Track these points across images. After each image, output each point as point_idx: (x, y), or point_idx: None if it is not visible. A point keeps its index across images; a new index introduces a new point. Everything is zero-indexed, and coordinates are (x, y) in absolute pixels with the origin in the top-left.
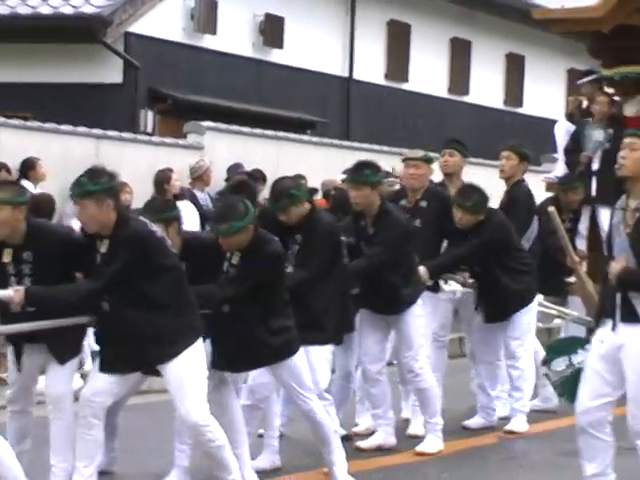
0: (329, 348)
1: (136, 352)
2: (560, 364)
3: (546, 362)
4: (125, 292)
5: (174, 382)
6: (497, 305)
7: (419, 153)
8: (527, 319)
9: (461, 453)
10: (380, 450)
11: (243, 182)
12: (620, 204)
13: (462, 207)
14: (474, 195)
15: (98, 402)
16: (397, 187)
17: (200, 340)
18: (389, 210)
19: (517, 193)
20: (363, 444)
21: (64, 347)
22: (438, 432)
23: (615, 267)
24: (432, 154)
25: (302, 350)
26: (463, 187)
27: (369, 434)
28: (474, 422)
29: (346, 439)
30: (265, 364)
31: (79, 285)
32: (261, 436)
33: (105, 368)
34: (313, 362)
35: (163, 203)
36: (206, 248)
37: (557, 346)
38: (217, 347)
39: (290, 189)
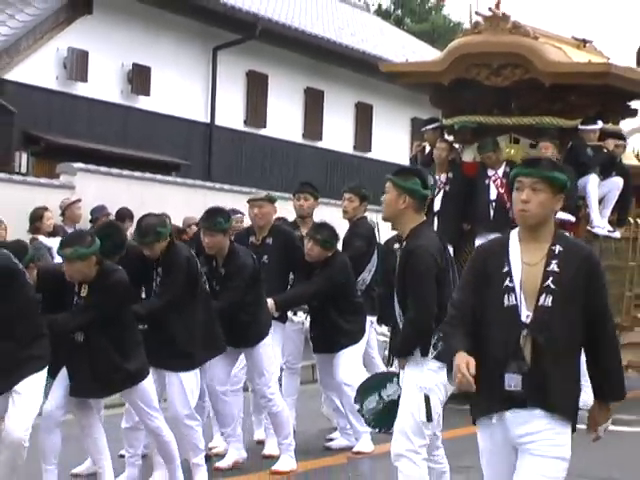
0: (197, 372)
1: None
2: (372, 402)
3: (357, 402)
4: None
5: (17, 400)
6: (326, 339)
7: (262, 194)
8: (355, 353)
9: (314, 472)
10: (237, 468)
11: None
12: (398, 247)
13: (313, 239)
14: (326, 231)
15: None
16: (244, 224)
17: (45, 368)
18: (237, 252)
19: (359, 227)
20: (221, 464)
21: None
22: (291, 452)
23: None
24: (275, 194)
25: (151, 376)
26: (317, 223)
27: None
28: (336, 443)
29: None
30: (120, 389)
31: None
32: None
33: None
34: (185, 387)
35: (19, 248)
36: (59, 279)
37: (366, 386)
38: (74, 376)
39: (156, 226)
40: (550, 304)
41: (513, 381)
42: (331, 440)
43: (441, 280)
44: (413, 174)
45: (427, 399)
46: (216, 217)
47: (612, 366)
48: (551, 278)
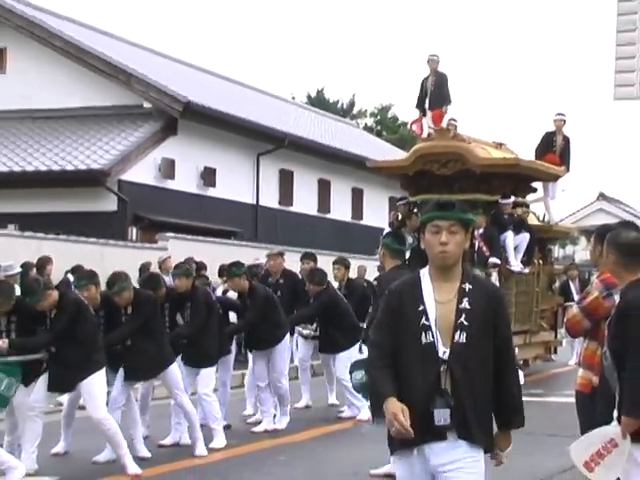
0: (214, 367)
1: (66, 374)
2: (358, 375)
3: (350, 373)
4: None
5: (86, 393)
6: (327, 345)
7: (276, 251)
8: (348, 355)
9: (329, 434)
10: (266, 432)
11: (153, 274)
12: None
13: (310, 281)
14: (317, 274)
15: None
16: (262, 271)
17: (103, 368)
18: (254, 288)
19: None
20: (256, 429)
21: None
22: (287, 416)
23: None
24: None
25: (176, 363)
26: (311, 269)
27: (257, 423)
28: (345, 414)
29: (227, 427)
30: (158, 373)
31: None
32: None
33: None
34: (205, 376)
35: (87, 273)
36: (116, 304)
37: (358, 364)
38: (126, 368)
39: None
40: (465, 340)
41: (442, 416)
42: (342, 412)
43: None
44: (389, 235)
45: None
46: (231, 268)
47: (513, 396)
48: (464, 315)
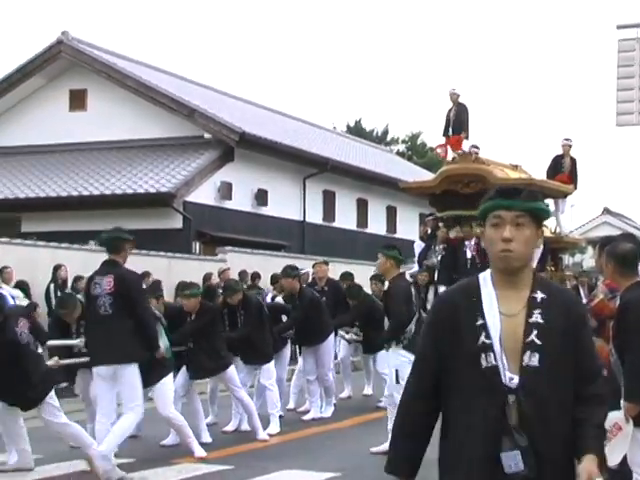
0: (272, 363)
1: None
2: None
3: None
4: None
5: (157, 392)
6: (368, 346)
7: (321, 260)
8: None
9: (369, 421)
10: (314, 420)
11: (211, 286)
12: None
13: (349, 297)
14: (355, 289)
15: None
16: (310, 276)
17: (171, 373)
18: (303, 290)
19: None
20: (305, 417)
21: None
22: (331, 406)
23: None
24: (328, 259)
25: (233, 365)
26: (348, 287)
27: (306, 412)
28: (383, 404)
29: (280, 416)
30: (217, 373)
31: None
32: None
33: None
34: (267, 370)
35: (155, 285)
36: (179, 311)
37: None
38: (190, 368)
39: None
40: (537, 363)
41: (512, 460)
42: (380, 402)
43: (409, 301)
44: (393, 247)
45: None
46: (287, 269)
47: (601, 422)
48: (535, 332)
